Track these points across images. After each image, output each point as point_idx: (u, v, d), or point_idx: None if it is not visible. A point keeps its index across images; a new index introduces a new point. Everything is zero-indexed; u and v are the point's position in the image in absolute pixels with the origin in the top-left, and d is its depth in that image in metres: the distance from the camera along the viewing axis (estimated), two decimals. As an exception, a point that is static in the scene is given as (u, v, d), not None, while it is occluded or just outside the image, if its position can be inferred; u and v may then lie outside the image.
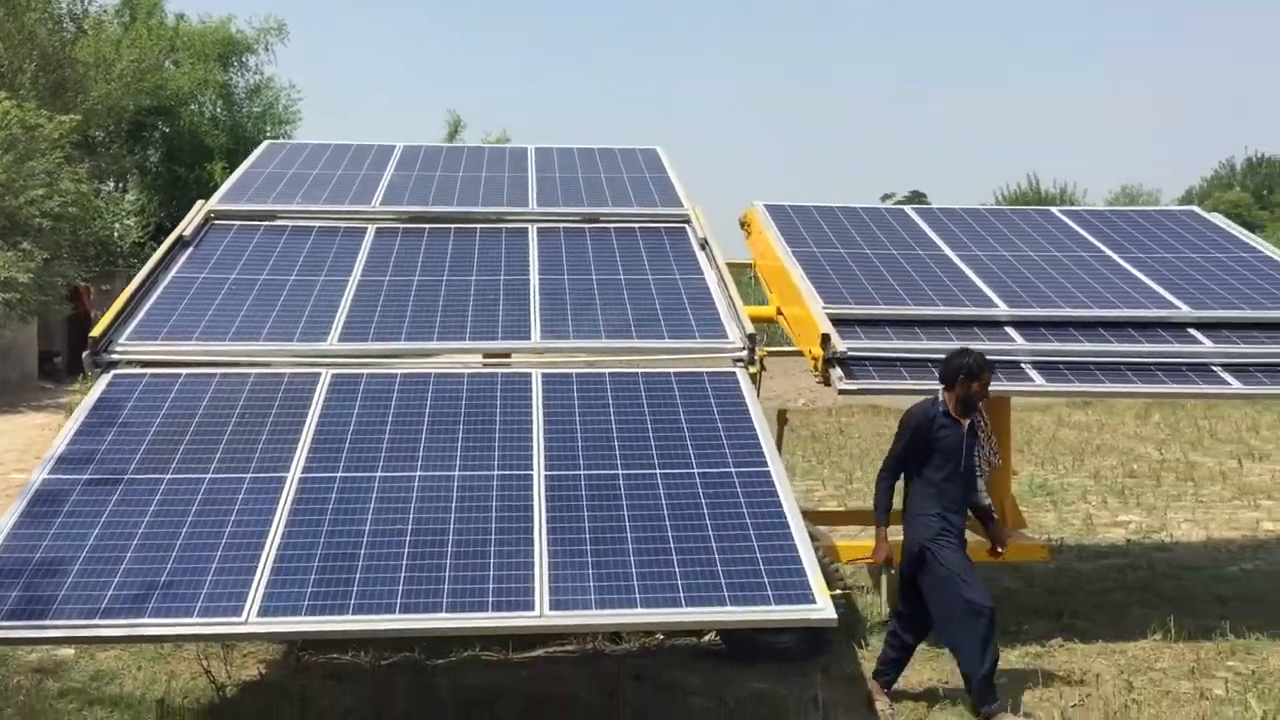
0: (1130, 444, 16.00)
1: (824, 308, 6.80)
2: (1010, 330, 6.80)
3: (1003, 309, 6.91)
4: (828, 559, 6.71)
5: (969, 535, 8.17)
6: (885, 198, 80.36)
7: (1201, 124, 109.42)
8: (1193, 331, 6.86)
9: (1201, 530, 10.16)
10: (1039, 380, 6.46)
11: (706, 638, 6.90)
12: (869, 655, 6.60)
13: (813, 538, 7.24)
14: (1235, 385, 6.51)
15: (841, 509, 10.09)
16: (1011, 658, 6.54)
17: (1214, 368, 6.62)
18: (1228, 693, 5.92)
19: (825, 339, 6.45)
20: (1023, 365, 6.55)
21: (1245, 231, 8.28)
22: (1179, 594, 7.90)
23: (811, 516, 8.30)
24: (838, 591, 5.01)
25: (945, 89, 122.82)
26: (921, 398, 6.01)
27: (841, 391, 6.31)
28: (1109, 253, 7.83)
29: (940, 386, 5.88)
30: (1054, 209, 8.68)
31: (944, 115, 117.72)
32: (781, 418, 7.59)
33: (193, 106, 32.51)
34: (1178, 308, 7.00)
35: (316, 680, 6.30)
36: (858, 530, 9.31)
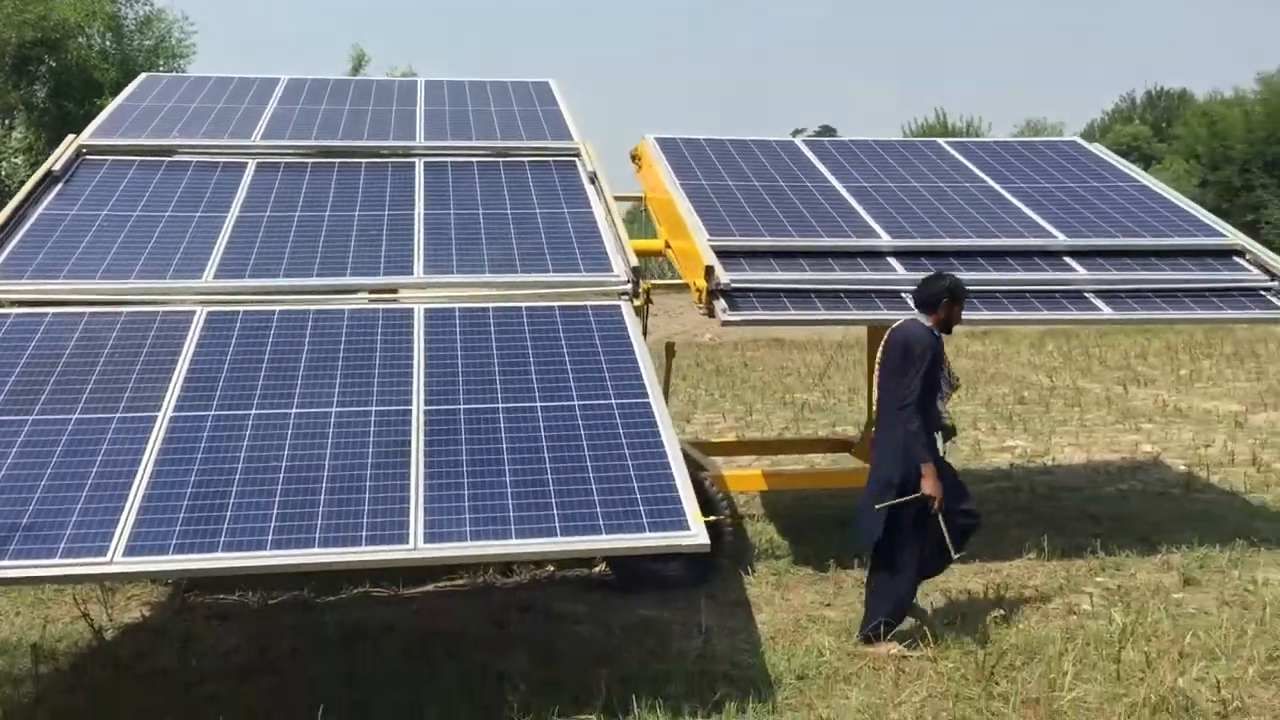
0: (1023, 372, 16.40)
1: (709, 240, 6.82)
2: (892, 260, 6.89)
3: (886, 240, 7.00)
4: (715, 488, 6.79)
5: (852, 462, 8.37)
6: (796, 133, 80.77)
7: (1105, 59, 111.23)
8: (1068, 260, 7.02)
9: (1083, 453, 10.49)
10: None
11: (597, 568, 6.98)
12: (754, 581, 6.73)
13: (702, 468, 7.36)
14: (1106, 311, 6.68)
15: (737, 439, 10.20)
16: (893, 580, 6.70)
17: (1087, 295, 6.79)
18: (1093, 607, 6.14)
19: (709, 271, 6.48)
20: (902, 295, 6.65)
21: (1124, 162, 8.46)
22: (1055, 514, 8.16)
23: (706, 447, 8.41)
24: (713, 518, 5.07)
25: (860, 26, 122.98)
26: (840, 327, 6.07)
27: (724, 323, 6.36)
28: (992, 183, 7.95)
29: (916, 313, 5.76)
30: (941, 141, 8.78)
31: (855, 52, 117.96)
32: (669, 350, 7.63)
33: (80, 39, 31.34)
34: (1055, 236, 7.15)
35: (200, 621, 6.25)
36: (751, 460, 9.45)
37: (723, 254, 6.74)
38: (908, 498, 5.52)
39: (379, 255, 6.47)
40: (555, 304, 6.23)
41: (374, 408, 5.27)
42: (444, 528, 4.57)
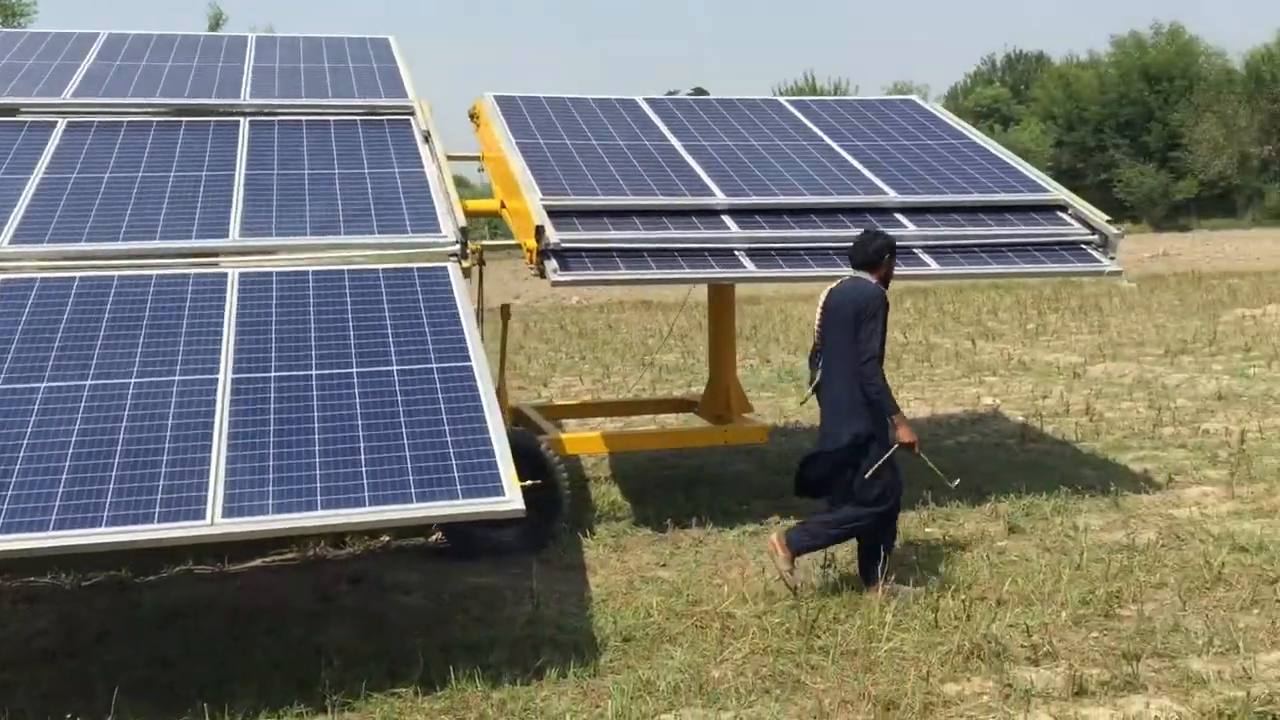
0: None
1: (541, 199, 6.69)
2: (727, 218, 6.86)
3: (720, 198, 6.97)
4: (552, 451, 6.71)
5: (697, 422, 8.39)
6: (670, 94, 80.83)
7: (969, 23, 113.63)
8: (899, 216, 7.08)
9: (929, 407, 10.70)
10: (750, 266, 6.56)
11: (434, 537, 6.85)
12: (592, 544, 6.69)
13: (540, 431, 7.28)
14: (934, 266, 6.77)
15: (583, 402, 10.13)
16: (729, 536, 6.74)
17: (916, 250, 6.86)
18: (918, 558, 6.24)
19: (539, 231, 6.36)
20: (736, 252, 6.64)
21: (957, 120, 8.58)
22: (896, 468, 8.28)
23: (551, 411, 8.33)
24: (538, 482, 4.98)
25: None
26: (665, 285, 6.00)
27: (555, 284, 6.26)
28: (829, 141, 7.98)
29: (864, 274, 5.72)
30: (782, 99, 8.80)
31: (729, 14, 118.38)
32: (504, 312, 7.50)
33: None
34: (886, 194, 7.21)
35: (6, 604, 5.95)
36: (601, 421, 9.41)
37: (556, 213, 6.62)
38: (889, 451, 5.60)
39: (192, 218, 6.20)
40: (379, 267, 6.05)
41: (177, 378, 5.04)
42: (245, 501, 4.39)
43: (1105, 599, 5.51)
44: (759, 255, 6.64)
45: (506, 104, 8.16)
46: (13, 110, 7.33)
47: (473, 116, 8.37)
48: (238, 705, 4.53)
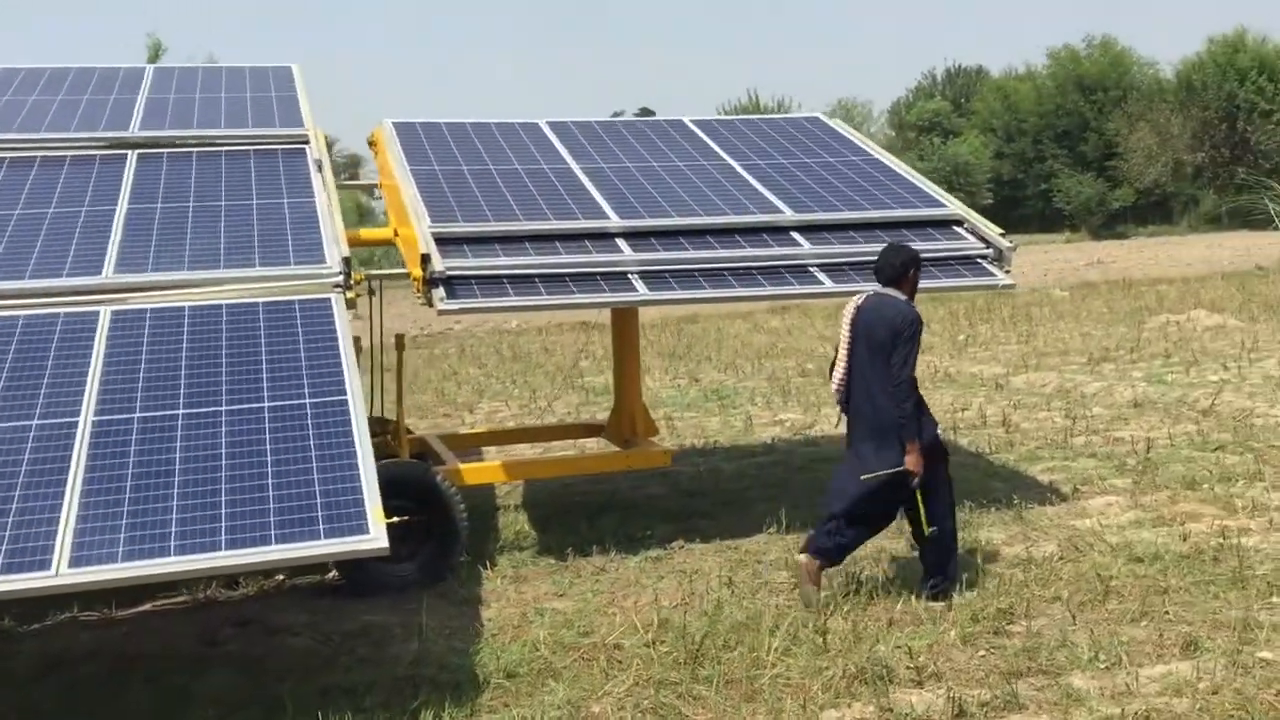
0: (813, 345, 16.70)
1: (430, 227, 6.61)
2: (620, 241, 6.80)
3: (614, 220, 6.91)
4: (447, 482, 6.58)
5: (600, 445, 8.30)
6: (616, 114, 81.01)
7: (909, 38, 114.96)
8: (795, 235, 7.06)
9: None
10: (642, 290, 6.50)
11: (331, 574, 6.71)
12: (491, 576, 6.57)
13: (440, 460, 7.17)
14: (828, 284, 6.75)
15: (488, 430, 9.97)
16: (631, 564, 6.65)
17: (811, 269, 6.84)
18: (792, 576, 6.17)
19: (425, 259, 6.27)
20: (629, 275, 6.58)
21: (859, 137, 8.58)
22: (807, 487, 8.24)
23: (456, 440, 8.22)
24: (400, 519, 4.86)
25: (677, 5, 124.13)
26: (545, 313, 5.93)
27: (441, 312, 6.17)
28: (729, 160, 7.96)
29: (891, 289, 5.74)
30: (686, 119, 8.75)
31: (675, 31, 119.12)
32: (399, 343, 7.39)
33: None
34: (782, 212, 7.19)
35: (-126, 660, 5.75)
36: (531, 448, 9.31)
37: (445, 240, 6.54)
38: (889, 470, 5.62)
39: (66, 256, 6.04)
40: (259, 300, 5.93)
41: (35, 421, 4.90)
42: (93, 549, 4.26)
43: (996, 615, 5.48)
44: (652, 277, 6.58)
45: (405, 130, 8.07)
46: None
47: (371, 144, 8.27)
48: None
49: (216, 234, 6.40)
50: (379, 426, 7.63)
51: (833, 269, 6.84)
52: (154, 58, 43.27)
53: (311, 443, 4.92)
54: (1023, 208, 58.39)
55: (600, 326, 20.91)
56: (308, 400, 5.20)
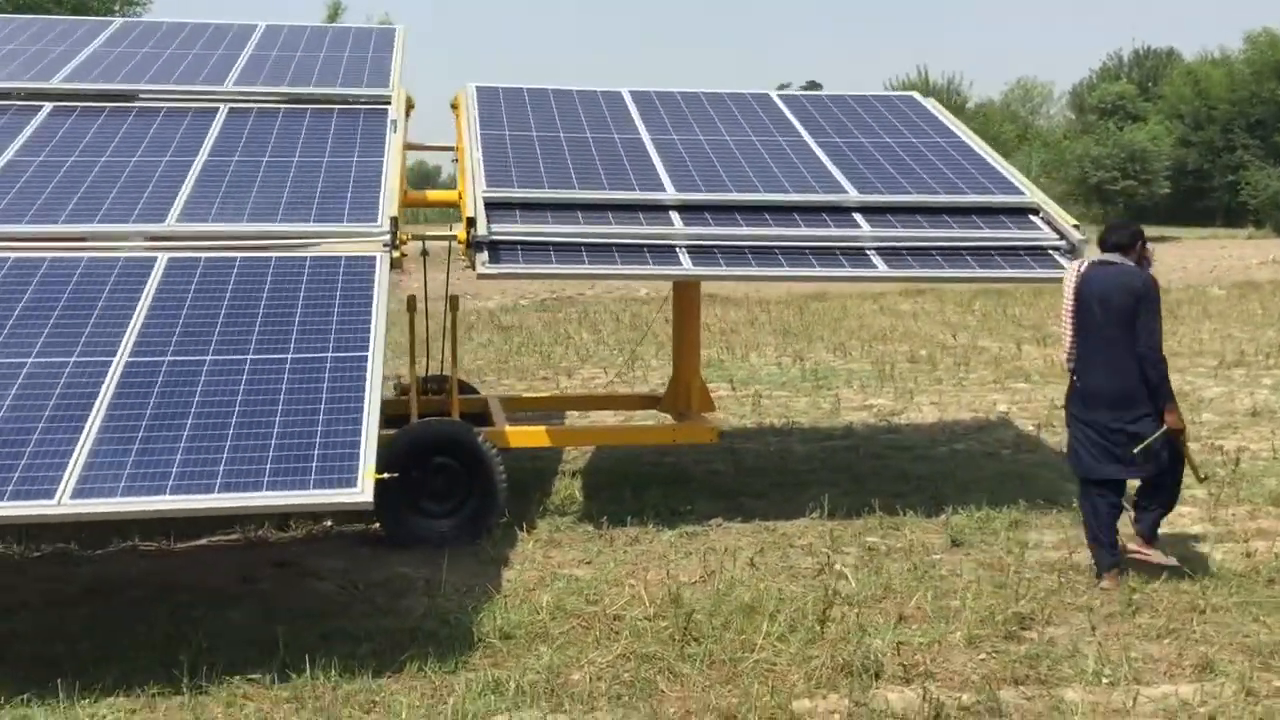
0: (934, 330, 16.28)
1: (484, 191, 6.69)
2: (674, 214, 6.76)
3: (670, 193, 6.87)
4: (488, 443, 6.67)
5: (649, 418, 8.26)
6: (781, 88, 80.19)
7: (1096, 17, 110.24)
8: (856, 216, 6.89)
9: (939, 412, 10.41)
10: (687, 264, 6.45)
11: (376, 525, 6.89)
12: (526, 539, 6.63)
13: (491, 422, 7.28)
14: (882, 269, 6.58)
15: (550, 395, 9.98)
16: (665, 538, 6.64)
17: (868, 252, 6.68)
18: (849, 565, 6.06)
19: (470, 222, 6.36)
20: (677, 249, 6.54)
21: (951, 119, 8.28)
22: (871, 474, 8.09)
23: (515, 403, 8.34)
24: (386, 475, 4.89)
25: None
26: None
27: (480, 276, 6.25)
28: (806, 138, 7.80)
29: (1117, 256, 5.79)
30: (773, 93, 8.61)
31: (843, 5, 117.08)
32: (452, 305, 7.52)
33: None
34: (847, 192, 7.02)
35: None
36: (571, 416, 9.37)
37: (496, 205, 6.62)
38: (1157, 433, 5.66)
39: (136, 203, 6.34)
40: (308, 255, 6.12)
41: (73, 359, 5.18)
42: (97, 483, 4.49)
43: (1012, 620, 5.29)
44: (699, 253, 6.52)
45: (485, 94, 8.17)
46: (5, 94, 7.60)
47: (454, 107, 8.39)
48: (101, 681, 4.63)
49: (282, 189, 6.62)
50: (437, 385, 7.81)
51: (890, 253, 6.66)
52: (333, 16, 45.01)
53: (324, 395, 5.07)
54: (1206, 200, 55.59)
55: (726, 300, 20.83)
56: (330, 354, 5.35)
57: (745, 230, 6.66)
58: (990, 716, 4.41)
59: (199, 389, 5.05)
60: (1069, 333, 5.85)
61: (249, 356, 5.29)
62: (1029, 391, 11.35)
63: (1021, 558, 6.21)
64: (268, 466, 4.64)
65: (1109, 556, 5.82)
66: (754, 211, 6.83)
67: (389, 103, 7.82)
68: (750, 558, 6.21)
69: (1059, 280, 6.64)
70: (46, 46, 8.48)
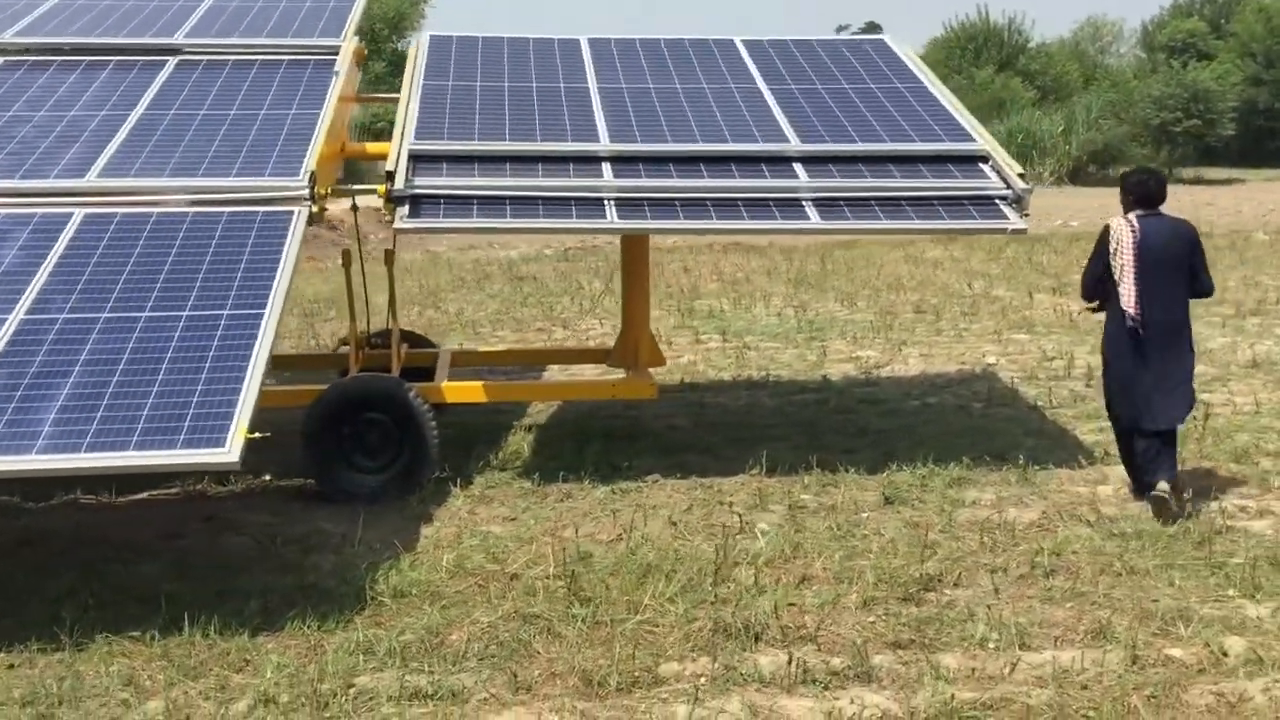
0: (954, 280, 15.92)
1: (412, 144, 6.60)
2: (605, 166, 6.62)
3: (604, 144, 6.72)
4: (419, 399, 6.61)
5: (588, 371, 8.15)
6: (840, 29, 78.62)
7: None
8: (796, 166, 6.70)
9: (926, 364, 10.19)
10: (612, 217, 6.32)
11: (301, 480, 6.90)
12: (459, 494, 6.59)
13: (426, 377, 7.24)
14: (815, 220, 6.39)
15: (503, 349, 9.84)
16: (597, 494, 6.58)
17: (804, 203, 6.49)
18: (743, 519, 5.96)
19: (389, 176, 6.27)
20: (605, 201, 6.40)
21: (919, 65, 7.97)
22: (830, 429, 7.94)
23: (467, 357, 8.30)
24: (258, 435, 4.83)
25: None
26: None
27: (398, 230, 6.18)
28: (761, 85, 7.59)
29: (1146, 210, 6.13)
30: (737, 40, 8.36)
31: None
32: (388, 258, 7.46)
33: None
34: (789, 141, 6.82)
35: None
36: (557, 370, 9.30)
37: (424, 158, 6.53)
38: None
39: (61, 158, 6.34)
40: (226, 209, 6.09)
41: (-34, 317, 5.19)
42: (-34, 441, 4.50)
43: (917, 581, 5.16)
44: (627, 205, 6.39)
45: (438, 44, 8.05)
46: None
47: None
48: (-12, 636, 4.70)
49: (210, 142, 6.58)
50: (380, 339, 7.77)
51: (826, 204, 6.47)
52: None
53: (211, 354, 5.06)
54: (1277, 140, 53.77)
55: (749, 248, 20.51)
56: (226, 311, 5.33)
57: (676, 181, 6.50)
58: (857, 682, 4.30)
59: (87, 348, 5.05)
60: (1133, 284, 5.99)
61: (144, 314, 5.29)
62: (1025, 343, 11.05)
63: (951, 517, 6.06)
64: (139, 426, 4.64)
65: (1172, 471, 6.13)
66: (689, 162, 6.67)
67: (338, 53, 7.72)
68: (672, 516, 6.12)
69: (1002, 231, 6.45)
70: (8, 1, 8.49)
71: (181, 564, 5.63)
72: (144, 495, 6.87)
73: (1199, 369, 9.47)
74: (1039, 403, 8.61)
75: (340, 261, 7.44)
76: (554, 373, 9.60)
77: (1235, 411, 8.19)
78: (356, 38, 7.96)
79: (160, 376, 4.90)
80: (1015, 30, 60.75)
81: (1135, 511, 6.09)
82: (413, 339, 8.33)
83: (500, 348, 9.86)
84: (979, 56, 57.95)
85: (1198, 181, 39.24)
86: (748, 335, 11.71)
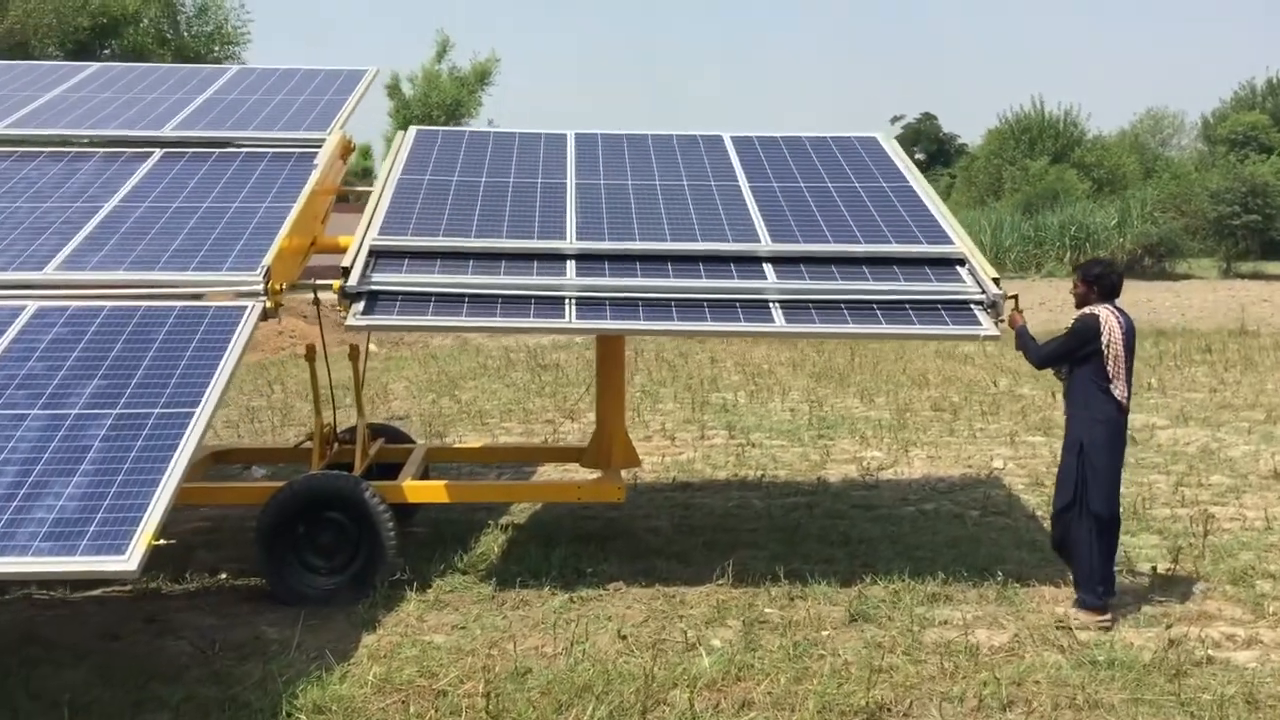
0: (979, 375, 15.59)
1: (375, 239, 6.53)
2: (570, 264, 6.49)
3: (570, 242, 6.60)
4: (376, 498, 6.44)
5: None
6: (895, 120, 78.96)
7: (1227, 45, 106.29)
8: (765, 266, 6.52)
9: (931, 467, 9.87)
10: (570, 317, 6.16)
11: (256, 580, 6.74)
12: (413, 599, 6.38)
13: (388, 475, 7.08)
14: (779, 323, 6.18)
15: (476, 446, 9.62)
16: (555, 603, 6.33)
17: (770, 304, 6.29)
18: (691, 635, 5.68)
19: (345, 272, 6.18)
20: (565, 300, 6.26)
21: (906, 163, 7.81)
22: (812, 535, 7.65)
23: (441, 454, 8.15)
24: (161, 542, 4.66)
25: (956, 6, 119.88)
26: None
27: (348, 327, 6.07)
28: (741, 182, 7.45)
29: (1112, 301, 6.15)
30: (726, 136, 8.26)
31: (956, 36, 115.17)
32: (353, 353, 7.35)
33: (142, 24, 32.25)
34: (760, 242, 6.65)
35: None
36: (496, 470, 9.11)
37: (385, 253, 6.46)
38: None
39: (22, 251, 6.34)
40: (177, 304, 6.03)
41: (-103, 411, 5.12)
42: None
43: (861, 711, 4.86)
44: (588, 305, 6.23)
45: (423, 138, 8.04)
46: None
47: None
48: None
49: (175, 236, 6.55)
50: (350, 435, 7.63)
51: (793, 306, 6.27)
52: (441, 55, 45.97)
53: (131, 456, 4.93)
54: (1341, 239, 52.77)
55: (760, 338, 20.24)
56: (157, 410, 5.22)
57: (640, 281, 6.35)
58: (771, 827, 4.01)
59: (9, 445, 4.95)
60: (1124, 377, 6.03)
61: (74, 411, 5.19)
62: (1039, 446, 10.69)
63: (917, 637, 5.74)
64: (43, 530, 4.50)
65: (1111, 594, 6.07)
66: (656, 261, 6.52)
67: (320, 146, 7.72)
68: (623, 629, 5.86)
69: (974, 338, 6.20)
70: (11, 92, 8.63)
71: (109, 668, 5.46)
72: (97, 592, 6.74)
73: (1214, 478, 9.16)
74: (1038, 512, 8.25)
75: (306, 355, 7.31)
76: (549, 470, 9.43)
77: (1244, 527, 7.79)
78: (343, 131, 7.96)
79: (75, 478, 4.77)
80: (1071, 122, 60.61)
81: (1121, 638, 5.72)
82: (391, 434, 8.19)
83: (476, 445, 9.68)
84: (1033, 148, 57.80)
85: (1255, 276, 38.53)
86: (755, 431, 11.47)
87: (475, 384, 15.14)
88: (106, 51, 31.90)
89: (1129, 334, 6.04)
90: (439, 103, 43.48)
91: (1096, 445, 6.03)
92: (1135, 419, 11.89)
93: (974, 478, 9.47)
